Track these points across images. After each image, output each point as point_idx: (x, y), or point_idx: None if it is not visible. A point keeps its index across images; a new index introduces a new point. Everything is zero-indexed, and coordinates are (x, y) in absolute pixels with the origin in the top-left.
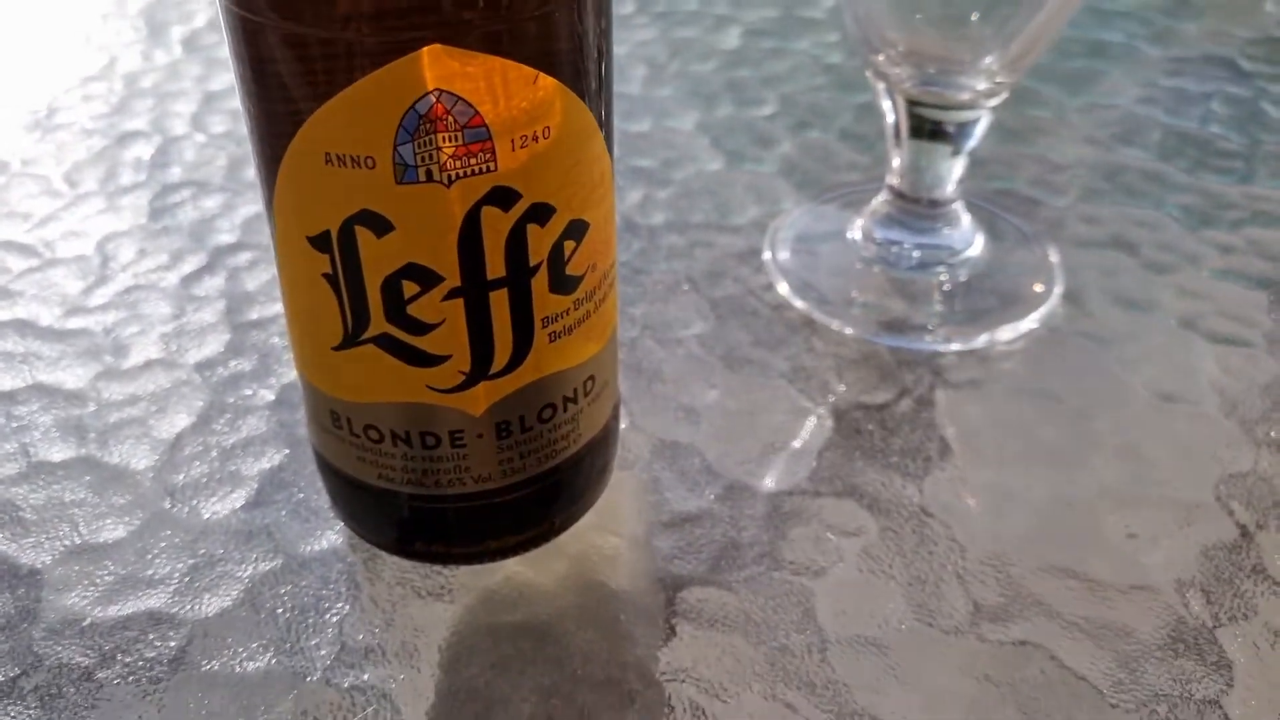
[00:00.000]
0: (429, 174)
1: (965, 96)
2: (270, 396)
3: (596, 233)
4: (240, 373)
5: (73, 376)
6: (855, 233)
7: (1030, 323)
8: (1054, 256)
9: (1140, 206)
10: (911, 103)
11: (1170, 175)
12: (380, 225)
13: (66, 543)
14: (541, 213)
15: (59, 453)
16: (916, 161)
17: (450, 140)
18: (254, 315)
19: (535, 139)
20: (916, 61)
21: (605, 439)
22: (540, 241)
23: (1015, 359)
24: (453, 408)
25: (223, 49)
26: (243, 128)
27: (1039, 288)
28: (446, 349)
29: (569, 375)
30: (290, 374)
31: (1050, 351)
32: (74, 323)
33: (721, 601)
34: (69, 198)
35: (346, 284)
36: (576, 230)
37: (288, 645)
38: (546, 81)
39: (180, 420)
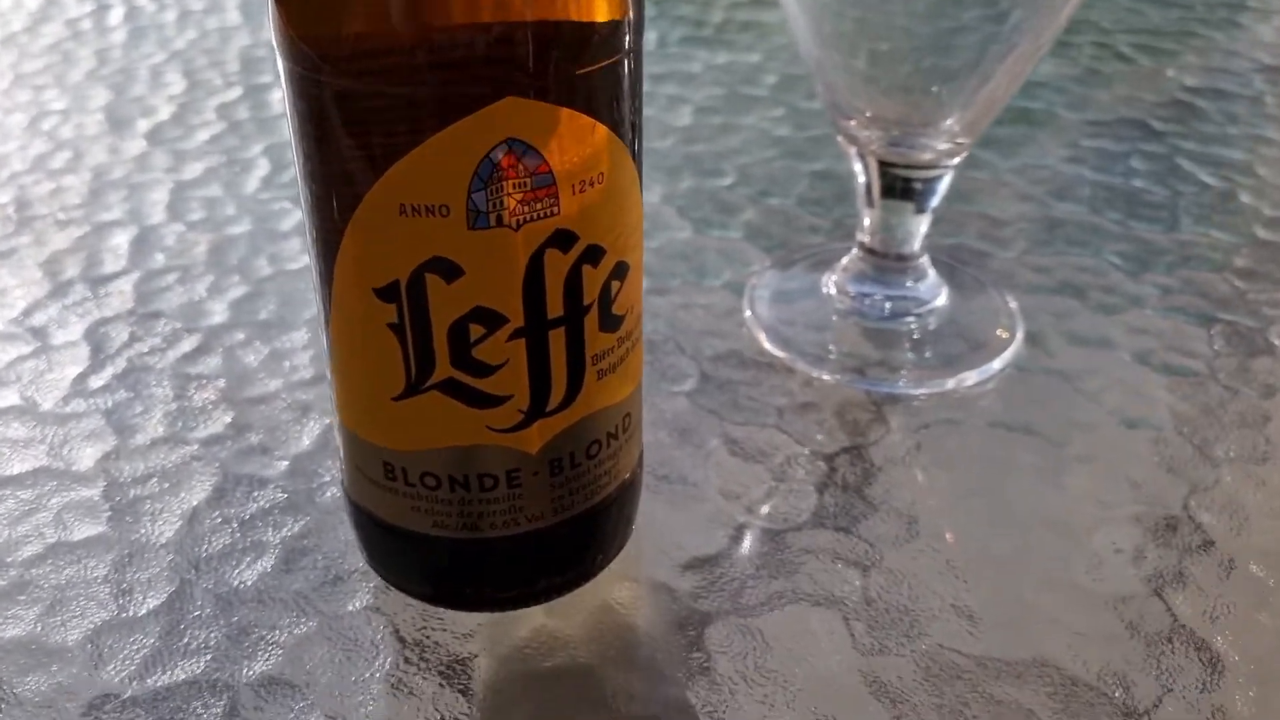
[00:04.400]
0: (499, 219)
1: (928, 156)
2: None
3: (634, 275)
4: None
5: (82, 457)
6: (829, 288)
7: (998, 363)
8: (1013, 303)
9: (1082, 255)
10: (882, 164)
11: (1104, 226)
12: (451, 271)
13: (94, 620)
14: (594, 254)
15: (77, 532)
16: (887, 220)
17: (519, 187)
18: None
19: (591, 184)
20: (883, 125)
21: (635, 480)
22: (593, 282)
23: (988, 397)
24: (510, 448)
25: (188, 140)
26: (220, 213)
27: (1002, 333)
28: (508, 389)
29: (611, 412)
30: (301, 444)
31: (1019, 389)
32: (75, 406)
33: (748, 634)
34: (51, 286)
35: (413, 332)
36: (621, 271)
37: (332, 705)
38: (601, 131)
39: (196, 495)
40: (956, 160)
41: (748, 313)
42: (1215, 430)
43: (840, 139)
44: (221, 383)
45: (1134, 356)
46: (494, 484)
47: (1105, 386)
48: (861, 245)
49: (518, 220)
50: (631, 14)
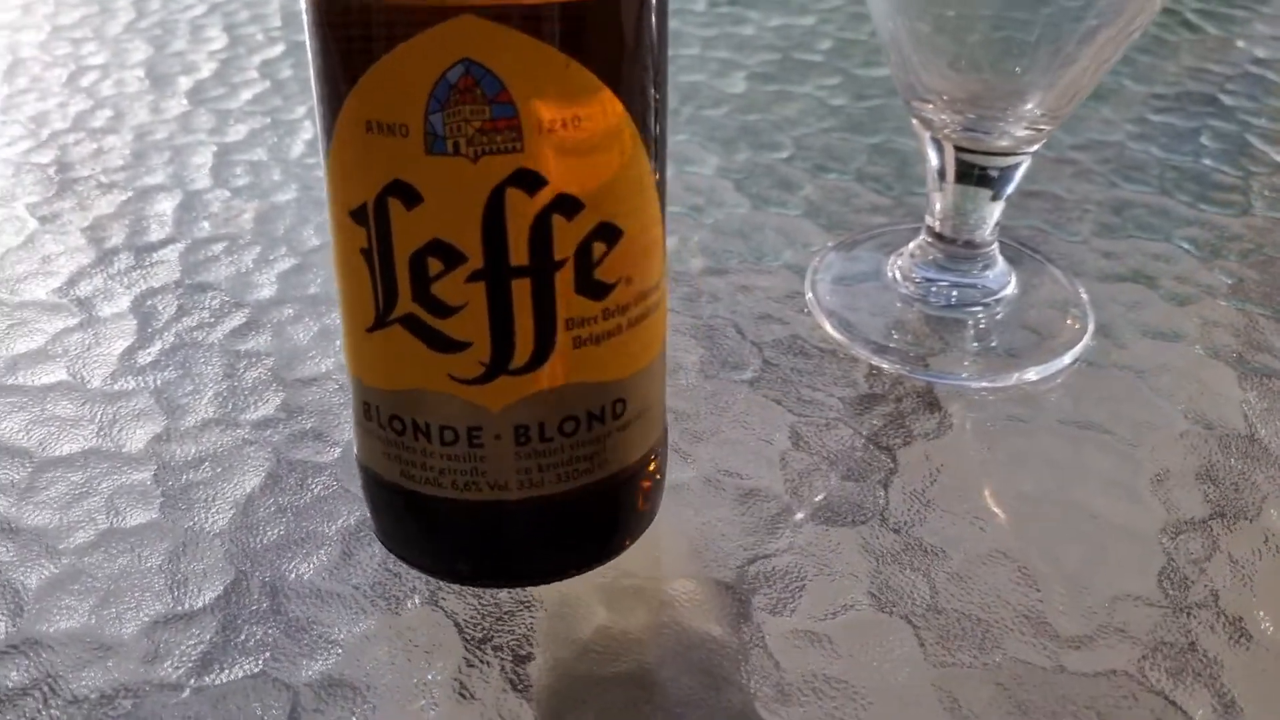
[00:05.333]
0: (456, 146)
1: (1006, 143)
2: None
3: (632, 244)
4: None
5: (132, 439)
6: (894, 273)
7: (1068, 358)
8: (1084, 293)
9: (1153, 240)
10: (958, 149)
11: (1175, 209)
12: (410, 196)
13: (149, 612)
14: (568, 205)
15: (130, 519)
16: (960, 205)
17: (477, 113)
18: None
19: (564, 126)
20: (958, 108)
21: (638, 480)
22: (566, 236)
23: (1057, 392)
24: (471, 401)
25: (231, 100)
26: (265, 179)
27: (1073, 323)
28: (468, 335)
29: (594, 390)
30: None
31: (1089, 385)
32: (123, 384)
33: (815, 641)
34: (96, 254)
35: (379, 258)
36: (607, 234)
37: (393, 710)
38: (578, 70)
39: (249, 482)
40: (1035, 147)
41: (809, 295)
42: None
43: (915, 123)
44: (271, 361)
45: (1207, 351)
46: (454, 438)
47: (1178, 383)
48: (929, 230)
49: (475, 150)
50: None
